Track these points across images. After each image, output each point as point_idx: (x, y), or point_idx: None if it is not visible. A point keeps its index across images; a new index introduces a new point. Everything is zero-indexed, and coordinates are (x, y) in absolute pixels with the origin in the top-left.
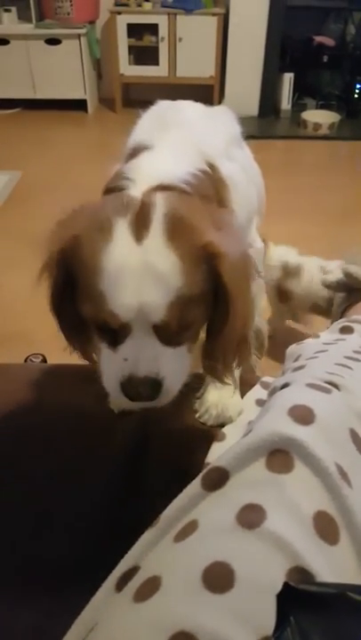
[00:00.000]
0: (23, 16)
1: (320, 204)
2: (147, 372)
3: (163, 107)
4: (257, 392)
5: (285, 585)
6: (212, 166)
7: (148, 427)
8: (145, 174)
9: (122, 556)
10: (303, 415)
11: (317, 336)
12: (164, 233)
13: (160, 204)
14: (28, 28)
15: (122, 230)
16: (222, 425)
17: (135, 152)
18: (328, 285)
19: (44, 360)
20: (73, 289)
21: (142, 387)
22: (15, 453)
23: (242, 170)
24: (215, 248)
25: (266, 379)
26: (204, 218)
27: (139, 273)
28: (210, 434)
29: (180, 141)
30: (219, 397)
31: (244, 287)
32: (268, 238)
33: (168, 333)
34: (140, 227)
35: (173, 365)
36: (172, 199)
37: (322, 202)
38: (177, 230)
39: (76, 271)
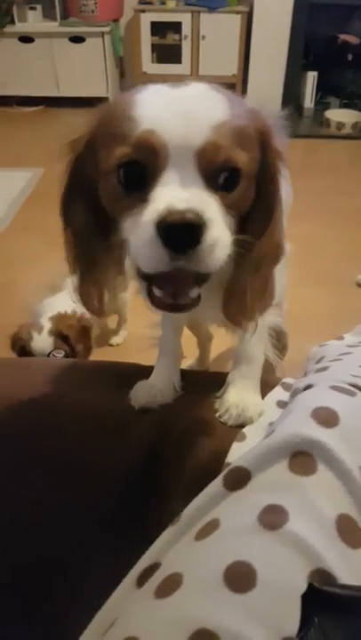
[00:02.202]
0: (48, 14)
1: (340, 205)
2: (189, 202)
3: None
4: (278, 393)
5: (310, 586)
6: None
7: (166, 425)
8: None
9: (139, 555)
10: (327, 417)
11: (341, 338)
12: (206, 85)
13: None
14: (52, 26)
15: (157, 85)
16: (242, 425)
17: None
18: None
19: (67, 355)
20: (88, 184)
21: (181, 218)
22: (33, 450)
23: None
24: (263, 122)
25: (287, 380)
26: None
27: (178, 98)
28: (229, 434)
29: None
30: (239, 397)
31: (279, 192)
32: (286, 239)
33: (212, 168)
34: (175, 85)
35: (217, 216)
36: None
37: (342, 203)
38: (221, 90)
39: (104, 132)
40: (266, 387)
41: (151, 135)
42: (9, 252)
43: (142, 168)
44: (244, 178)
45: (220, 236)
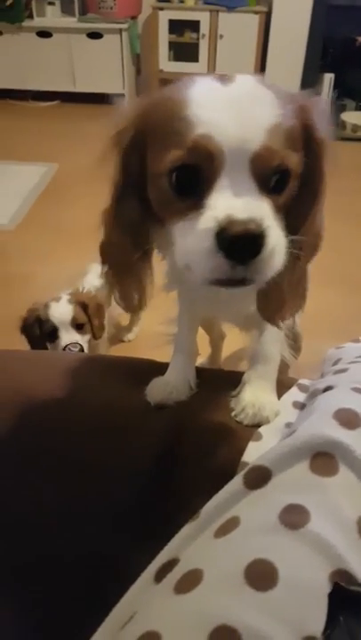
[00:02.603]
0: (66, 10)
1: (358, 207)
2: (249, 212)
3: None
4: (294, 394)
5: (336, 585)
6: None
7: (182, 423)
8: None
9: (154, 553)
10: (349, 419)
11: (358, 340)
12: (253, 78)
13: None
14: (71, 21)
15: (207, 78)
16: (258, 425)
17: None
18: None
19: (82, 349)
20: (138, 175)
21: (244, 229)
22: (46, 445)
23: None
24: (309, 115)
25: (303, 381)
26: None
27: (232, 98)
28: (245, 433)
29: None
30: (255, 397)
31: (326, 177)
32: None
33: (266, 172)
34: (225, 79)
35: (274, 222)
36: None
37: (357, 205)
38: (267, 84)
39: (155, 126)
40: (282, 387)
41: (208, 140)
42: (23, 246)
43: (196, 173)
44: (293, 178)
45: (278, 243)
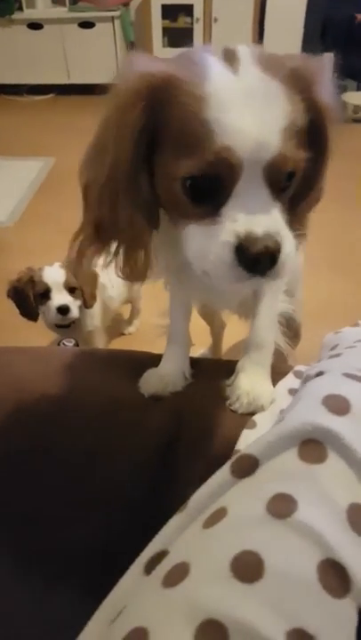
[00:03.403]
0: None
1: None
2: (266, 227)
3: None
4: (290, 381)
5: None
6: None
7: (180, 413)
8: None
9: None
10: (338, 405)
11: (357, 324)
12: (256, 62)
13: (242, 48)
14: (61, 11)
15: (214, 63)
16: (253, 413)
17: None
18: None
19: (77, 344)
20: (152, 153)
21: (264, 247)
22: (49, 433)
23: None
24: (307, 72)
25: (299, 367)
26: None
27: (245, 98)
28: (242, 422)
29: None
30: (251, 385)
31: (333, 129)
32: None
33: (279, 178)
34: (229, 61)
35: (286, 229)
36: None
37: None
38: (266, 59)
39: (168, 117)
40: (277, 374)
41: (230, 153)
42: (23, 242)
43: (213, 182)
44: (300, 172)
45: (291, 249)
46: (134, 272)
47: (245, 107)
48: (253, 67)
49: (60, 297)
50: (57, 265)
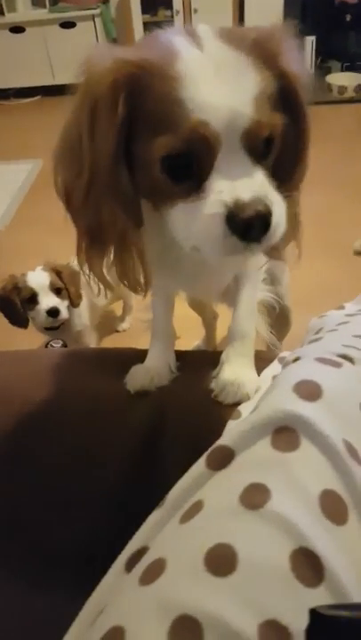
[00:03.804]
0: (37, 1)
1: (347, 173)
2: (253, 192)
3: None
4: (274, 368)
5: (312, 613)
6: None
7: (164, 406)
8: None
9: None
10: (310, 391)
11: (342, 307)
12: (218, 37)
13: (201, 26)
14: (42, 13)
15: (180, 42)
16: (239, 403)
17: None
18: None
19: (65, 345)
20: (129, 142)
21: (255, 212)
22: (33, 436)
23: None
24: (270, 41)
25: (284, 354)
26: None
27: (215, 72)
28: (226, 412)
29: None
30: (235, 375)
31: (305, 97)
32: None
33: (257, 144)
34: (193, 39)
35: (273, 191)
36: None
37: (349, 170)
38: (226, 33)
39: (143, 102)
40: (262, 361)
41: (205, 127)
42: (15, 245)
43: (192, 157)
44: (278, 137)
45: (281, 211)
46: (132, 281)
47: (215, 80)
48: (216, 41)
49: (47, 299)
50: (39, 268)
